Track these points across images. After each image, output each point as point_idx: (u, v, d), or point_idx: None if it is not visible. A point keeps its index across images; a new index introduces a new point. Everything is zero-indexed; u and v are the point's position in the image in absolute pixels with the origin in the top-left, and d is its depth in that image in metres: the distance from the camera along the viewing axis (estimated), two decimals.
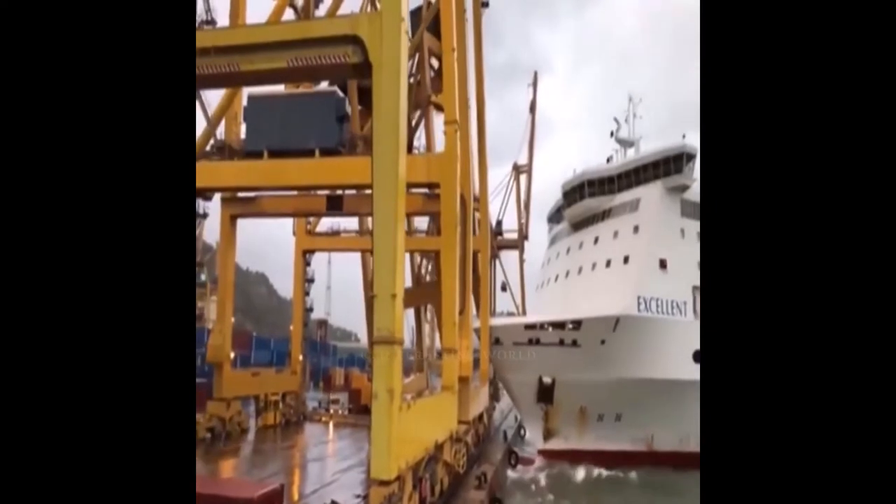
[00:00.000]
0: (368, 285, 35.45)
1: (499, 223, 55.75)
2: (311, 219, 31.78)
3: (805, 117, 4.01)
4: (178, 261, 4.52)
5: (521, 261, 57.70)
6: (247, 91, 21.10)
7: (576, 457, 33.21)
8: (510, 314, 47.06)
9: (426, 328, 49.69)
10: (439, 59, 22.06)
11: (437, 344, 49.67)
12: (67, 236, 4.17)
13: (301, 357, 31.21)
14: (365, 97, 22.01)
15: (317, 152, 19.72)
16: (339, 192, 22.94)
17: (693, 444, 34.71)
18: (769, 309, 3.91)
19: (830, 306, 3.80)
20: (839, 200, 3.88)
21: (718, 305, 4.06)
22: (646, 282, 35.95)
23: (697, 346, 35.60)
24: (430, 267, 36.68)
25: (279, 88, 21.79)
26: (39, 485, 3.81)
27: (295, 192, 23.55)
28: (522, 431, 37.33)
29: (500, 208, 57.24)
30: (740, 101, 4.15)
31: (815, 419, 3.72)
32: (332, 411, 32.83)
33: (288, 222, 33.04)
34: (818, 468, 3.66)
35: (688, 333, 35.96)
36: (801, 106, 4.03)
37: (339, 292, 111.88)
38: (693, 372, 34.64)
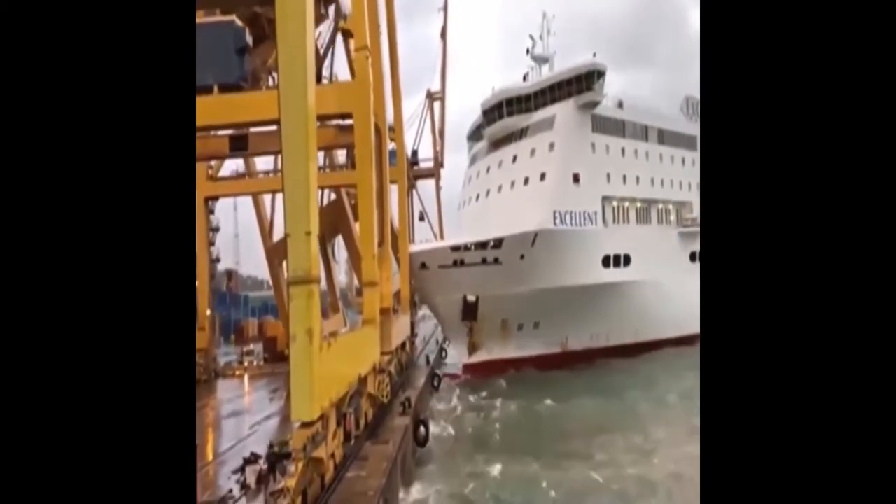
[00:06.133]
0: (266, 231, 34.12)
1: (414, 153, 55.06)
2: (213, 163, 29.83)
3: (806, 116, 3.99)
4: (175, 254, 4.39)
5: (438, 188, 57.78)
6: None
7: (498, 366, 35.17)
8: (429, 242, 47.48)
9: (341, 267, 48.92)
10: None
11: (355, 281, 49.05)
12: (57, 224, 4.08)
13: (209, 311, 29.80)
14: (255, 27, 20.22)
15: (215, 89, 18.19)
16: (244, 131, 21.48)
17: (603, 340, 37.86)
18: (768, 303, 3.96)
19: (829, 301, 3.85)
20: (838, 197, 3.89)
21: (718, 303, 4.09)
22: (561, 196, 37.69)
23: (605, 252, 38.76)
24: (332, 197, 35.85)
25: None
26: (40, 479, 3.78)
27: None
28: (444, 353, 38.42)
29: (415, 138, 56.59)
30: (740, 99, 4.11)
31: (815, 415, 3.79)
32: (246, 364, 31.82)
33: None
34: (817, 462, 3.74)
35: (598, 241, 38.80)
36: (802, 104, 4.00)
37: (248, 238, 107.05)
38: (601, 276, 37.84)
